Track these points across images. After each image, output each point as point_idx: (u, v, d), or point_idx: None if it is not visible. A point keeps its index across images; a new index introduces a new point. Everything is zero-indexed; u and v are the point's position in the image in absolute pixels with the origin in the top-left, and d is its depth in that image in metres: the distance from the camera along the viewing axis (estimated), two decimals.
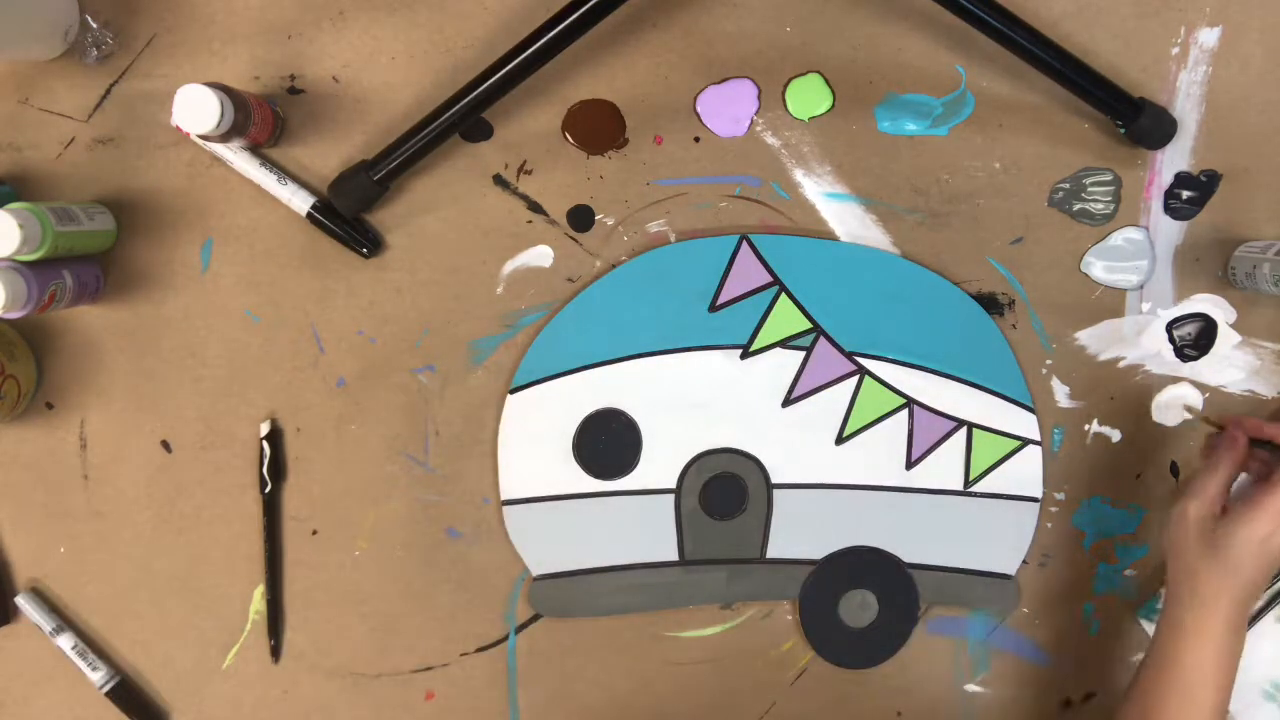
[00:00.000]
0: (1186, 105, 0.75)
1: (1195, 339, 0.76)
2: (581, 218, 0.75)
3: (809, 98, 0.75)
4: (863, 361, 0.75)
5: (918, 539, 0.76)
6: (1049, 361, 0.77)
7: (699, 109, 0.74)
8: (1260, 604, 0.76)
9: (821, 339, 0.75)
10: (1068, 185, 0.75)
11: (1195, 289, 0.76)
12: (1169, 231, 0.76)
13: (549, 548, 0.76)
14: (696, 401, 0.75)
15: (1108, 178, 0.75)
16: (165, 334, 0.74)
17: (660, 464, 0.75)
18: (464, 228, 0.75)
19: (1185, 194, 0.76)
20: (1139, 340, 0.76)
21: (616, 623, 0.77)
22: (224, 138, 0.68)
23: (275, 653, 0.76)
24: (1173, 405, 0.77)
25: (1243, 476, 0.67)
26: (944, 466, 0.76)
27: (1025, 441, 0.76)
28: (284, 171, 0.73)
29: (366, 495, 0.76)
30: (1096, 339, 0.76)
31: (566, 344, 0.75)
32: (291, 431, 0.75)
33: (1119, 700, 0.67)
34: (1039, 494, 0.77)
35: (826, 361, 0.75)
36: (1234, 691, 0.77)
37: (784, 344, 0.75)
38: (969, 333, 0.76)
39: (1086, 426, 0.77)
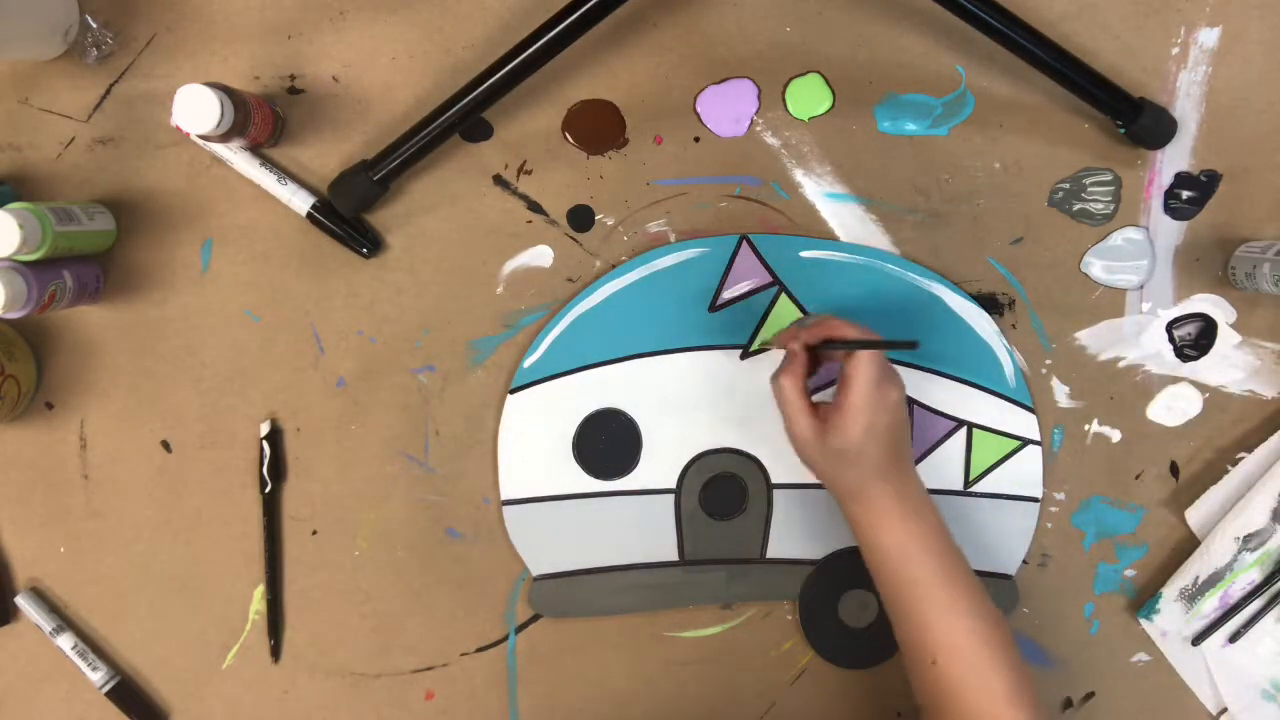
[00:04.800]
0: (1186, 105, 0.75)
1: (1195, 339, 0.76)
2: (581, 218, 0.75)
3: (809, 98, 0.75)
4: None
5: None
6: (1049, 361, 0.77)
7: (699, 109, 0.74)
8: (1260, 604, 0.76)
9: None
10: (1068, 185, 0.75)
11: (1195, 289, 0.76)
12: (1169, 231, 0.76)
13: (549, 548, 0.76)
14: (696, 401, 0.75)
15: (1108, 178, 0.75)
16: (165, 334, 0.74)
17: (660, 464, 0.75)
18: (464, 228, 0.75)
19: (1185, 194, 0.76)
20: (1139, 340, 0.76)
21: (616, 623, 0.77)
22: (224, 138, 0.68)
23: (275, 653, 0.76)
24: (1173, 405, 0.77)
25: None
26: (944, 466, 0.76)
27: (1025, 441, 0.76)
28: (284, 171, 0.73)
29: (366, 495, 0.76)
30: (1096, 339, 0.77)
31: (566, 344, 0.75)
32: (291, 431, 0.75)
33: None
34: (1039, 494, 0.77)
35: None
36: (1234, 691, 0.77)
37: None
38: (968, 333, 0.76)
39: (1086, 426, 0.77)
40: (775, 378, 0.67)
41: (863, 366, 0.63)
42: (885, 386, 0.64)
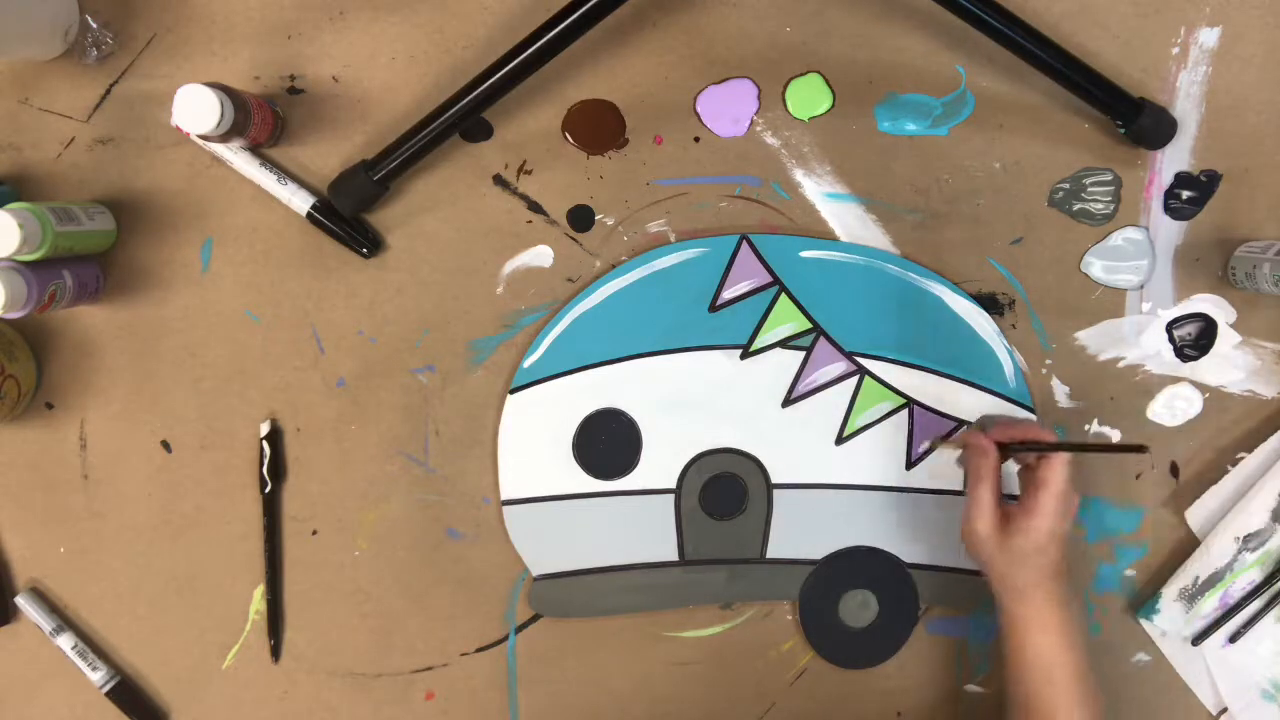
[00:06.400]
0: (1186, 105, 0.75)
1: (1195, 339, 0.76)
2: (581, 218, 0.75)
3: (809, 98, 0.75)
4: (863, 361, 0.75)
5: (918, 539, 0.76)
6: (1049, 361, 0.77)
7: (699, 109, 0.74)
8: (1260, 604, 0.76)
9: (821, 339, 0.75)
10: (1068, 185, 0.75)
11: (1195, 289, 0.76)
12: (1169, 231, 0.76)
13: (549, 548, 0.76)
14: (696, 401, 0.75)
15: (1108, 178, 0.75)
16: (165, 334, 0.74)
17: (660, 464, 0.75)
18: (464, 228, 0.75)
19: (1185, 194, 0.76)
20: (1139, 340, 0.76)
21: (616, 623, 0.77)
22: (224, 138, 0.68)
23: (275, 653, 0.76)
24: (1173, 405, 0.77)
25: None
26: (944, 467, 0.76)
27: None
28: (284, 171, 0.73)
29: (366, 495, 0.76)
30: (1096, 339, 0.76)
31: (566, 344, 0.75)
32: (291, 431, 0.75)
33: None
34: None
35: (826, 361, 0.75)
36: (1234, 691, 0.77)
37: (784, 344, 0.75)
38: (969, 333, 0.76)
39: (1086, 426, 0.77)
40: (972, 477, 0.68)
41: (1057, 473, 0.66)
42: (1071, 494, 0.67)
